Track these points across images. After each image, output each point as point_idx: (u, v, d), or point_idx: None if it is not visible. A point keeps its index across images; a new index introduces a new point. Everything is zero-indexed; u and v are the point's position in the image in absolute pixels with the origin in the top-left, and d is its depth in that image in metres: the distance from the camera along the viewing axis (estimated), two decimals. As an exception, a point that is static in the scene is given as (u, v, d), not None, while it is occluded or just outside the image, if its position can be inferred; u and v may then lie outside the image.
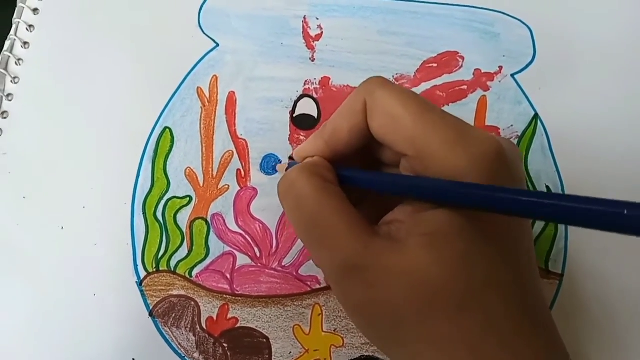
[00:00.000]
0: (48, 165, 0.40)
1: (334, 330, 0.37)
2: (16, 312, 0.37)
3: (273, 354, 0.37)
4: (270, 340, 0.37)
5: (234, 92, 0.42)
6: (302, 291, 0.38)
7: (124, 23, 0.44)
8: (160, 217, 0.39)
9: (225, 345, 0.37)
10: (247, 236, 0.39)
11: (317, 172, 0.29)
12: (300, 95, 0.42)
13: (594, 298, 0.38)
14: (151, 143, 0.40)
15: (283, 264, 0.38)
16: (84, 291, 0.37)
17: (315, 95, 0.42)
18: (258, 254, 0.38)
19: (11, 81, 0.42)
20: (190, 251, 0.38)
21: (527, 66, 0.43)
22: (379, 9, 0.44)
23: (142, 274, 0.38)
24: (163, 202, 0.39)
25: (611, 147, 0.41)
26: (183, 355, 0.36)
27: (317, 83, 0.42)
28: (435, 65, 0.43)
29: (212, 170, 0.40)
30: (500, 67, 0.43)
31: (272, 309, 0.37)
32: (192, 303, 0.37)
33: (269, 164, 0.40)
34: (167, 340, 0.37)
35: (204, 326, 0.37)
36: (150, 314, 0.37)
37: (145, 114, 0.41)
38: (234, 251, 0.38)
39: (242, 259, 0.38)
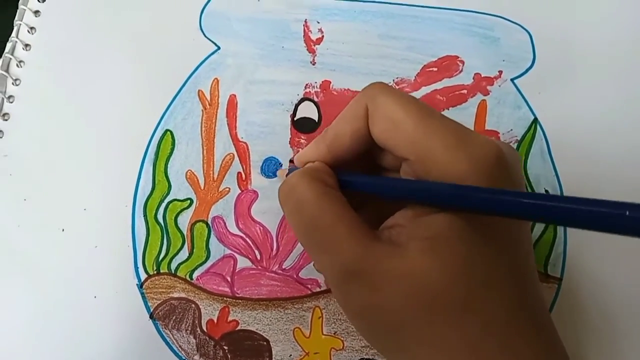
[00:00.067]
0: (49, 167, 0.40)
1: (334, 333, 0.37)
2: (17, 314, 0.37)
3: (273, 356, 0.37)
4: (271, 343, 0.37)
5: (235, 95, 0.42)
6: (303, 294, 0.38)
7: (125, 26, 0.44)
8: (161, 220, 0.39)
9: (225, 347, 0.37)
10: (247, 239, 0.39)
11: (318, 177, 0.29)
12: (301, 99, 0.42)
13: (593, 302, 0.38)
14: (152, 146, 0.41)
15: (283, 267, 0.38)
16: (85, 293, 0.37)
17: (316, 99, 0.42)
18: (258, 257, 0.38)
19: (12, 83, 0.42)
20: (190, 254, 0.38)
21: (526, 71, 0.43)
22: (380, 13, 0.44)
23: (143, 276, 0.38)
24: (164, 204, 0.39)
25: (610, 152, 0.41)
26: (184, 358, 0.36)
27: (318, 86, 0.42)
28: (435, 69, 0.43)
29: (213, 173, 0.40)
30: (500, 72, 0.43)
31: (273, 312, 0.37)
32: (193, 306, 0.37)
33: (270, 167, 0.40)
34: (167, 343, 0.37)
35: (204, 329, 0.37)
36: (151, 317, 0.37)
37: (146, 116, 0.41)
38: (235, 254, 0.38)
39: (242, 262, 0.38)
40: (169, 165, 0.40)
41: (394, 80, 0.42)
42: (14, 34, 0.43)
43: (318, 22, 0.44)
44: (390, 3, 0.45)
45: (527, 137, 0.42)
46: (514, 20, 0.44)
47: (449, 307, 0.24)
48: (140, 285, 0.38)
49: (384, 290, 0.25)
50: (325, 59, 0.43)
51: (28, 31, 0.43)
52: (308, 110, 0.42)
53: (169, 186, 0.40)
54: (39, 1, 0.44)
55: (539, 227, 0.40)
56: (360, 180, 0.30)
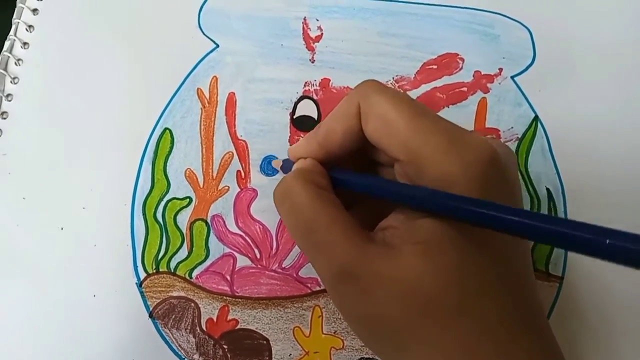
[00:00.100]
0: (48, 165, 0.40)
1: (334, 333, 0.37)
2: (16, 313, 0.37)
3: (273, 355, 0.37)
4: (271, 342, 0.37)
5: (233, 93, 0.42)
6: (302, 293, 0.38)
7: (124, 24, 0.44)
8: (160, 218, 0.39)
9: (225, 346, 0.37)
10: (247, 237, 0.39)
11: (312, 179, 0.29)
12: (300, 97, 0.42)
13: (594, 301, 0.38)
14: (151, 144, 0.40)
15: (283, 266, 0.38)
16: (84, 292, 0.37)
17: (315, 97, 0.42)
18: (258, 256, 0.38)
19: (11, 81, 0.42)
20: (190, 252, 0.38)
21: (527, 68, 0.43)
22: (379, 11, 0.44)
23: (142, 275, 0.38)
24: (163, 203, 0.39)
25: (611, 149, 0.41)
26: (183, 357, 0.36)
27: (317, 84, 0.42)
28: (435, 67, 0.43)
29: (212, 172, 0.40)
30: (500, 69, 0.43)
31: (272, 311, 0.37)
32: (192, 304, 0.37)
33: (269, 166, 0.40)
34: (167, 342, 0.36)
35: (204, 328, 0.37)
36: (150, 315, 0.37)
37: (145, 114, 0.41)
38: (234, 252, 0.38)
39: (242, 261, 0.38)
40: (168, 164, 0.40)
41: (393, 77, 0.42)
42: (12, 32, 0.43)
43: (317, 20, 0.44)
44: (389, 0, 0.45)
45: (527, 135, 0.41)
46: (514, 17, 0.44)
47: (443, 311, 0.24)
48: (140, 284, 0.37)
49: (377, 292, 0.25)
50: (325, 57, 0.43)
51: (26, 29, 0.43)
52: (307, 109, 0.42)
53: (168, 185, 0.40)
54: (38, -1, 0.44)
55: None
56: (353, 179, 0.30)
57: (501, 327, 0.24)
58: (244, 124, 0.41)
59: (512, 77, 0.43)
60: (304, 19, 0.44)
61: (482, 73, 0.43)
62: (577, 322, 0.38)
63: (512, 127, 0.41)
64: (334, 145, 0.30)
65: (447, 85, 0.42)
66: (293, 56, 0.43)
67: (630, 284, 0.39)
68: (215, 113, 0.41)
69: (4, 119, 0.41)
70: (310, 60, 0.43)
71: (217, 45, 0.43)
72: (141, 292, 0.37)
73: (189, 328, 0.37)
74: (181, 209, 0.39)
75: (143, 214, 0.39)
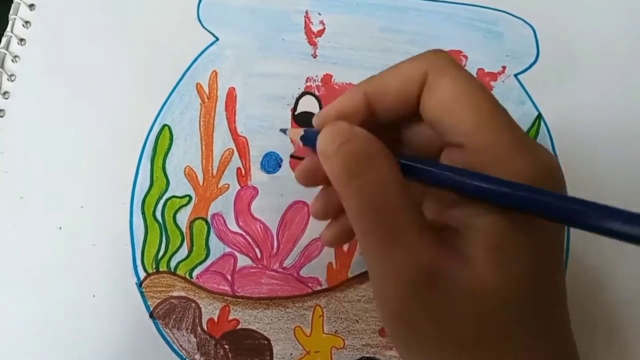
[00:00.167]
0: (45, 164, 0.39)
1: (335, 332, 0.37)
2: (14, 314, 0.37)
3: (274, 355, 0.36)
4: (272, 342, 0.37)
5: (234, 88, 0.41)
6: (303, 293, 0.38)
7: (121, 18, 0.43)
8: (159, 217, 0.38)
9: (226, 346, 0.36)
10: (247, 237, 0.38)
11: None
12: (302, 93, 0.41)
13: (595, 300, 0.38)
14: (150, 141, 0.40)
15: (284, 265, 0.38)
16: (83, 292, 0.37)
17: (317, 93, 0.41)
18: (259, 255, 0.38)
19: (7, 79, 0.41)
20: (190, 252, 0.38)
21: (530, 66, 0.43)
22: (382, 6, 0.44)
23: (142, 274, 0.37)
24: (162, 201, 0.39)
25: (615, 148, 0.41)
26: (184, 357, 0.36)
27: (319, 80, 0.41)
28: (438, 63, 0.42)
29: (212, 169, 0.39)
30: (504, 67, 0.42)
31: (273, 311, 0.37)
32: (193, 304, 0.37)
33: (270, 163, 0.40)
34: (167, 342, 0.36)
35: (205, 328, 0.37)
36: (151, 316, 0.37)
37: (144, 111, 0.41)
38: (235, 252, 0.38)
39: (242, 260, 0.38)
40: (167, 161, 0.40)
41: (396, 74, 0.42)
42: (8, 28, 0.42)
43: (319, 14, 0.43)
44: (392, -5, 0.44)
45: (530, 133, 0.41)
46: (518, 15, 0.44)
47: (516, 324, 0.23)
48: (140, 284, 0.37)
49: (459, 303, 0.23)
50: (327, 52, 0.42)
51: (23, 25, 0.42)
52: (309, 105, 0.41)
53: (167, 182, 0.39)
54: (34, -7, 0.43)
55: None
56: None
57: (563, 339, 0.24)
58: (244, 119, 0.41)
59: (515, 75, 0.42)
60: (306, 12, 0.43)
61: (486, 71, 0.42)
62: (579, 321, 0.38)
63: (514, 126, 0.41)
64: (381, 105, 0.27)
65: (450, 82, 0.42)
66: (294, 51, 0.42)
67: (634, 282, 0.39)
68: (215, 109, 0.41)
69: (1, 117, 0.40)
70: (312, 55, 0.42)
71: (217, 39, 0.42)
72: (141, 292, 0.37)
73: (190, 328, 0.37)
74: (181, 207, 0.39)
75: (142, 213, 0.38)
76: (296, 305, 0.37)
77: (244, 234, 0.38)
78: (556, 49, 0.43)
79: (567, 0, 0.45)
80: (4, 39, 0.42)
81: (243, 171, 0.40)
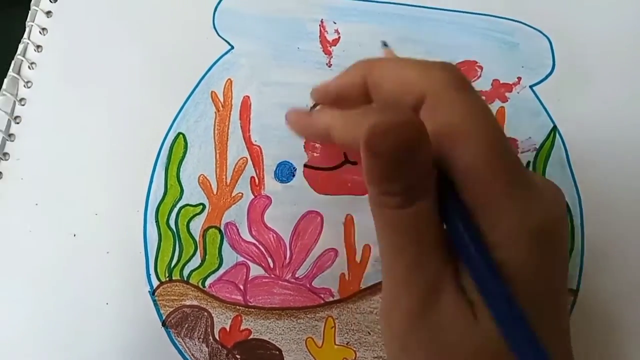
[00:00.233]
0: (60, 171, 0.40)
1: (347, 344, 0.37)
2: (26, 319, 0.37)
3: (285, 366, 0.37)
4: (283, 353, 0.37)
5: (248, 97, 0.41)
6: (315, 303, 0.38)
7: (138, 25, 0.43)
8: (173, 226, 0.38)
9: (238, 356, 0.36)
10: (260, 246, 0.38)
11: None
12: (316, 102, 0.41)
13: (609, 315, 0.38)
14: (164, 149, 0.40)
15: (296, 276, 0.38)
16: (96, 300, 0.37)
17: (331, 103, 0.41)
18: (271, 265, 0.38)
19: (24, 85, 0.41)
20: (203, 261, 0.38)
21: (545, 77, 0.42)
22: (399, 16, 0.43)
23: (155, 283, 0.38)
24: (176, 210, 0.39)
25: (631, 161, 0.41)
26: (196, 367, 0.36)
27: (334, 90, 0.41)
28: (453, 74, 0.42)
29: (226, 178, 0.40)
30: (519, 78, 0.42)
31: (285, 321, 0.37)
32: (206, 314, 0.37)
33: (284, 172, 0.40)
34: (180, 351, 0.36)
35: (217, 337, 0.37)
36: (163, 324, 0.37)
37: (159, 118, 0.41)
38: (248, 261, 0.38)
39: (255, 270, 0.38)
40: (181, 170, 0.40)
41: (411, 84, 0.42)
42: (25, 35, 0.42)
43: (335, 23, 0.43)
44: (409, 5, 0.44)
45: (545, 145, 0.41)
46: (534, 25, 0.44)
47: None
48: (152, 293, 0.37)
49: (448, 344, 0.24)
50: (342, 61, 0.42)
51: (40, 32, 0.42)
52: (323, 114, 0.41)
53: (181, 191, 0.39)
54: (51, 1, 0.43)
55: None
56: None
57: None
58: (258, 128, 0.41)
59: (530, 87, 0.42)
60: (321, 21, 0.43)
61: (501, 82, 0.42)
62: (592, 335, 0.38)
63: (530, 137, 0.41)
64: (376, 96, 0.29)
65: (465, 93, 0.41)
66: (309, 59, 0.42)
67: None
68: (229, 117, 0.41)
69: (17, 123, 0.40)
70: (327, 64, 0.42)
71: (232, 47, 0.42)
72: (154, 301, 0.37)
73: (202, 337, 0.37)
74: (194, 215, 0.39)
75: (156, 221, 0.39)
76: (308, 316, 0.37)
77: (257, 243, 0.38)
78: (572, 61, 0.43)
79: (583, 12, 0.44)
80: (20, 46, 0.42)
81: (257, 180, 0.40)
